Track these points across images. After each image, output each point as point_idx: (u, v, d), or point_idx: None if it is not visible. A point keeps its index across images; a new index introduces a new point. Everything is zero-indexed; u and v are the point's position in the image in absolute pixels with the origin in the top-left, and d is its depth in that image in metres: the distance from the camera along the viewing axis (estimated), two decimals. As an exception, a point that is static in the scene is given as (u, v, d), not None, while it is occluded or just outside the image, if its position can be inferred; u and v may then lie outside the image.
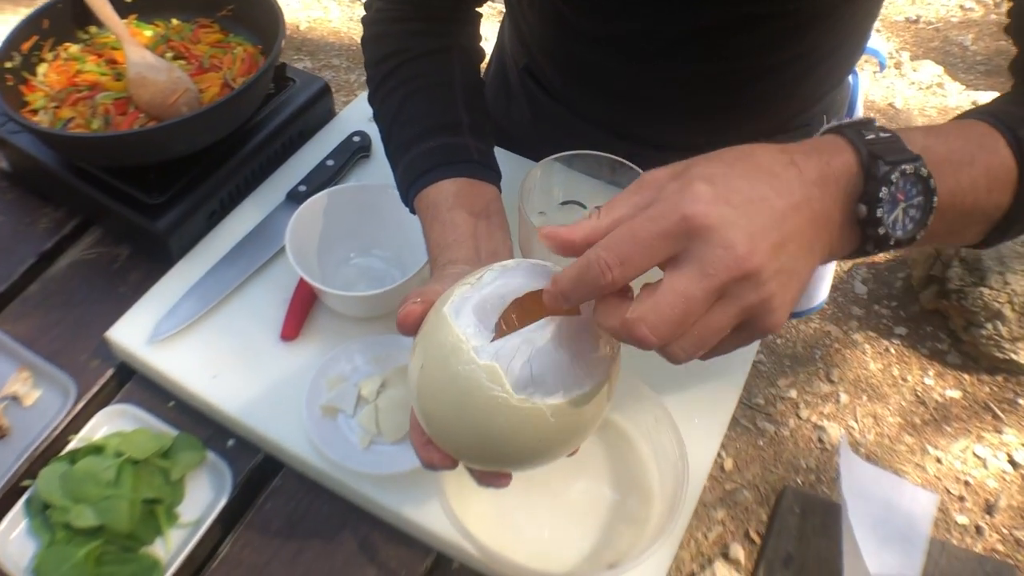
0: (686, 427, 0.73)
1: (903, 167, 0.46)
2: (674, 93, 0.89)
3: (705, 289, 0.42)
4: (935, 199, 0.48)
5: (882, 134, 0.48)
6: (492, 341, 0.48)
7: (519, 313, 0.50)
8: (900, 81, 2.92)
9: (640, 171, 0.73)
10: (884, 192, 0.46)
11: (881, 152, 0.46)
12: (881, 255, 2.31)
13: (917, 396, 2.05)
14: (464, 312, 0.49)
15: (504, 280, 0.51)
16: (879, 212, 0.46)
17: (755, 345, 0.88)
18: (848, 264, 2.29)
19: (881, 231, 0.47)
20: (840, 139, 0.48)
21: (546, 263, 0.53)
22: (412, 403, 0.54)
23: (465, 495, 0.71)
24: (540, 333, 0.48)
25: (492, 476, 0.56)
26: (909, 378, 2.08)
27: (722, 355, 0.46)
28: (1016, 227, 0.57)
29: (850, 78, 1.03)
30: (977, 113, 0.57)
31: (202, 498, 0.77)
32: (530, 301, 0.50)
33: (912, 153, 0.47)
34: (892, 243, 0.47)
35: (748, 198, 0.43)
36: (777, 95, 0.89)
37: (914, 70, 2.96)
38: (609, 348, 0.50)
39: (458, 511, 0.67)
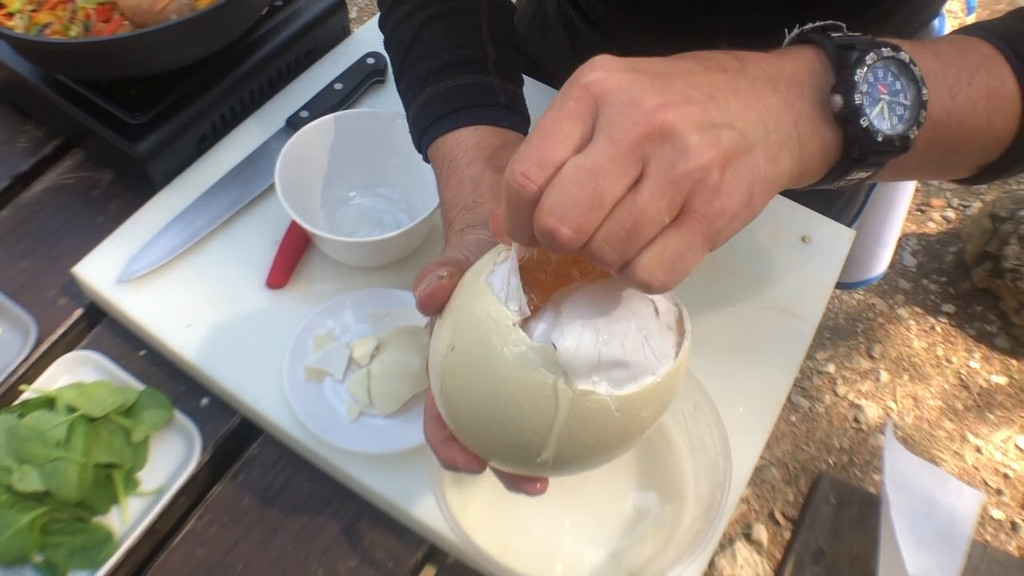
0: (729, 417, 0.63)
1: (881, 50, 0.40)
2: (740, 24, 0.76)
3: (613, 157, 0.34)
4: (924, 92, 0.42)
5: (852, 33, 0.42)
6: (530, 315, 0.40)
7: (553, 277, 0.41)
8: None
9: None
10: (859, 74, 0.39)
11: (851, 43, 0.41)
12: (933, 225, 2.19)
13: (961, 379, 1.94)
14: (510, 283, 0.40)
15: None
16: (856, 98, 0.39)
17: (812, 322, 0.76)
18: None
19: (863, 123, 0.40)
20: (802, 45, 0.42)
21: None
22: (434, 391, 0.45)
23: (464, 485, 0.61)
24: (596, 303, 0.39)
25: (528, 481, 0.47)
26: (954, 359, 1.97)
27: (684, 274, 0.35)
28: (1016, 167, 0.50)
29: (936, 22, 0.90)
30: (978, 29, 0.49)
31: (167, 464, 0.68)
32: (559, 262, 0.41)
33: (889, 41, 0.41)
34: (880, 140, 0.40)
35: (665, 68, 0.37)
36: None
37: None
38: (678, 320, 0.42)
39: (454, 504, 0.57)
